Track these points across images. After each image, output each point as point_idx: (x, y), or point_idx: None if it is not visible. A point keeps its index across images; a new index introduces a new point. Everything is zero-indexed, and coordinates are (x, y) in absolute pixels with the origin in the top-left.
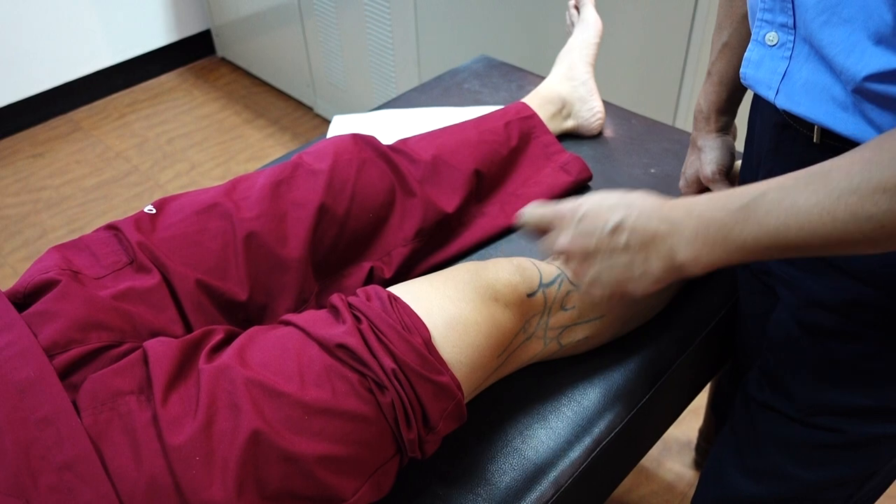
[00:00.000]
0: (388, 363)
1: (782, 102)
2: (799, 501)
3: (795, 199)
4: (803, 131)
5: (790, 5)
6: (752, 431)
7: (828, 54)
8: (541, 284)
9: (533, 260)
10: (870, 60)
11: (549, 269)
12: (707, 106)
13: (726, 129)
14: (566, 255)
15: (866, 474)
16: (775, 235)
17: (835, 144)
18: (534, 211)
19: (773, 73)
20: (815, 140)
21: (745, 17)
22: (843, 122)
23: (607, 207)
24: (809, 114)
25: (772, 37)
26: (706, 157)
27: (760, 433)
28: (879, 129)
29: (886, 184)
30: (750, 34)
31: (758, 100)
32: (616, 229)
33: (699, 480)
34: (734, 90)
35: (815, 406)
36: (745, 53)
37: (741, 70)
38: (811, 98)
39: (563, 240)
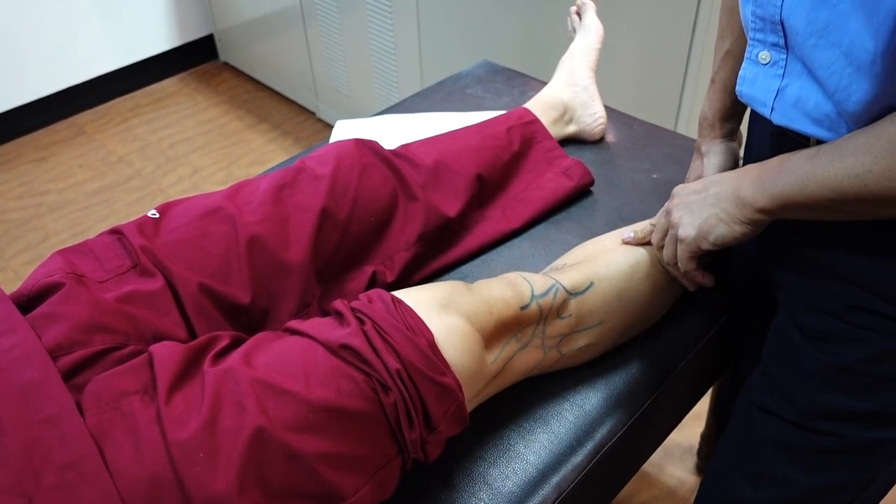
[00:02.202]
0: (393, 364)
1: (777, 119)
2: None
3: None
4: (800, 139)
5: (780, 27)
6: (752, 436)
7: (820, 76)
8: (533, 296)
9: (522, 273)
10: (859, 85)
11: (542, 281)
12: (711, 113)
13: (731, 135)
14: (667, 212)
15: (866, 479)
16: (801, 188)
17: None
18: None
19: (766, 90)
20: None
21: None
22: (836, 135)
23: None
24: (804, 129)
25: (764, 55)
26: (710, 163)
27: (760, 437)
28: None
29: (871, 146)
30: None
31: None
32: (699, 184)
33: (700, 484)
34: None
35: (815, 410)
36: (740, 71)
37: (737, 88)
38: (804, 114)
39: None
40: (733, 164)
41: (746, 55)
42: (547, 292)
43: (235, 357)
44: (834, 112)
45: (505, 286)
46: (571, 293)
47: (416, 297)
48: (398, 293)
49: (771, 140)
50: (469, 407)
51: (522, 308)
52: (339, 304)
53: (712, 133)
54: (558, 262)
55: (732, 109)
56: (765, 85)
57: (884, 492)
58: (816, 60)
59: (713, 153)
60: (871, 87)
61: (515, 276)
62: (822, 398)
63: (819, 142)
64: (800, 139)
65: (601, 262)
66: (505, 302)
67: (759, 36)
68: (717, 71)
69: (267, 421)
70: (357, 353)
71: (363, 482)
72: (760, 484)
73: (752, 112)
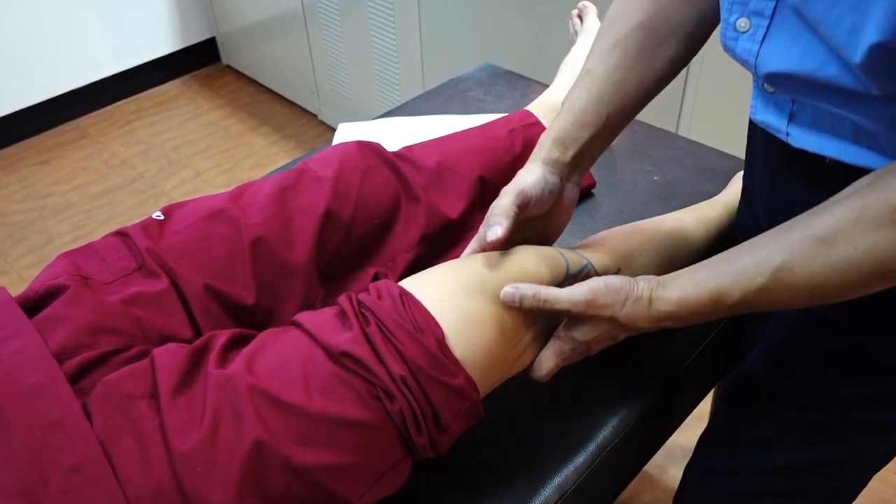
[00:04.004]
0: (397, 370)
1: (795, 142)
2: (786, 477)
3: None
4: (816, 159)
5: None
6: (747, 414)
7: (827, 110)
8: (568, 275)
9: (559, 249)
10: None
11: (577, 258)
12: (546, 133)
13: (556, 166)
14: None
15: (855, 456)
16: (767, 306)
17: (846, 167)
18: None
19: (778, 117)
20: (827, 162)
21: (615, 45)
22: (854, 154)
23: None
24: (821, 150)
25: (769, 86)
26: (511, 184)
27: (757, 415)
28: (891, 155)
29: (889, 269)
30: (617, 64)
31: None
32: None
33: (690, 461)
34: (582, 127)
35: (820, 392)
36: (751, 99)
37: (750, 114)
38: (820, 135)
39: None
40: (539, 192)
41: (753, 83)
42: (581, 271)
43: (238, 361)
44: (847, 132)
45: (540, 260)
46: (600, 274)
47: (431, 284)
48: (413, 278)
49: (783, 153)
50: (486, 392)
51: (556, 287)
52: (343, 299)
53: (537, 154)
54: (580, 243)
55: (571, 138)
56: (776, 112)
57: (874, 469)
58: (816, 98)
59: (521, 173)
60: (869, 114)
61: (552, 251)
62: (828, 380)
63: (836, 162)
64: (816, 158)
65: (626, 249)
66: (538, 278)
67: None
68: (571, 89)
69: (266, 433)
70: (358, 361)
71: (370, 486)
72: (751, 454)
73: (751, 136)
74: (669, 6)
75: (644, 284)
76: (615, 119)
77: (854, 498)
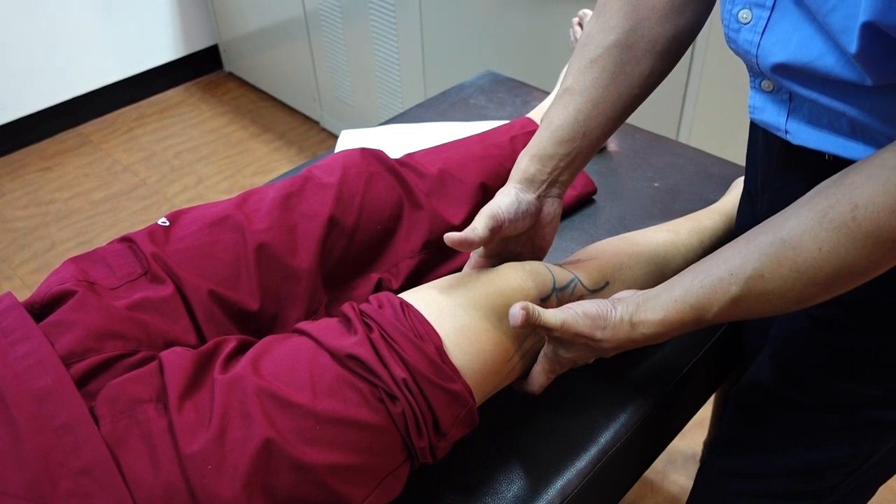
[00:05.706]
0: (399, 373)
1: (794, 139)
2: (799, 477)
3: (766, 287)
4: (815, 154)
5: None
6: (756, 419)
7: (824, 104)
8: (554, 289)
9: (546, 264)
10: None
11: (563, 274)
12: (524, 151)
13: (531, 184)
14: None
15: (867, 454)
16: (747, 314)
17: (846, 163)
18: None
19: (777, 115)
20: (827, 158)
21: (592, 62)
22: (853, 149)
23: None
24: (820, 146)
25: (767, 84)
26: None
27: (765, 420)
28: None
29: (853, 269)
30: (593, 82)
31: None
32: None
33: (698, 472)
34: (559, 144)
35: (828, 394)
36: (749, 100)
37: (749, 115)
38: (819, 132)
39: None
40: (512, 215)
41: (750, 84)
42: (567, 286)
43: (244, 364)
44: (846, 128)
45: (526, 276)
46: (589, 290)
47: (429, 299)
48: (411, 292)
49: (784, 149)
50: (481, 402)
51: (542, 300)
52: (347, 307)
53: (514, 172)
54: (571, 258)
55: (548, 155)
56: (774, 110)
57: (886, 473)
58: (813, 93)
59: (497, 195)
60: (864, 107)
61: (539, 266)
62: (835, 383)
63: (836, 158)
64: (816, 155)
65: (616, 262)
66: (524, 293)
67: (752, 71)
68: (548, 108)
69: (275, 432)
70: (363, 364)
71: (371, 489)
72: (762, 456)
73: (753, 138)
74: (646, 23)
75: (622, 309)
76: (593, 135)
77: (867, 501)
